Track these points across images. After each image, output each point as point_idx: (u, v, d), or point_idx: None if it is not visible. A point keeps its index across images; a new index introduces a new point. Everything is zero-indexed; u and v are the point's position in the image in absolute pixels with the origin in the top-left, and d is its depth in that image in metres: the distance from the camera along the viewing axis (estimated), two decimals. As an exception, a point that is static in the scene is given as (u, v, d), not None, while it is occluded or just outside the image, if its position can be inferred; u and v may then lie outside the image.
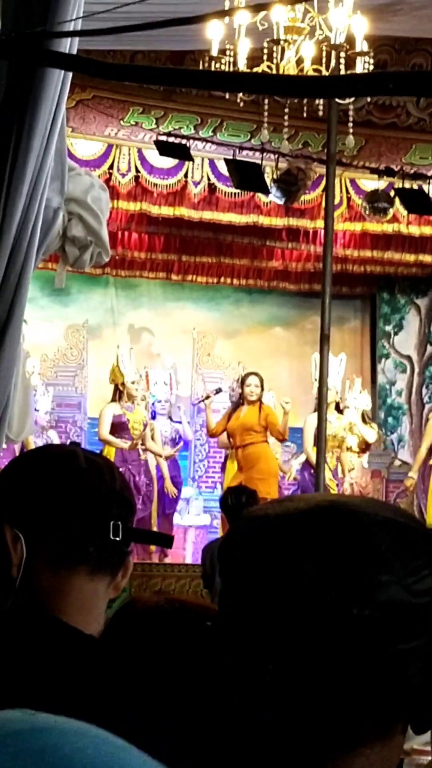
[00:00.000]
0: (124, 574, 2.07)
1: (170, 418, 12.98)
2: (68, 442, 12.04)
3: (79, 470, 2.04)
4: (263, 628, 1.10)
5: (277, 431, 12.00)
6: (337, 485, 12.25)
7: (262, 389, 12.12)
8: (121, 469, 2.26)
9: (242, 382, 12.19)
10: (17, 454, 9.76)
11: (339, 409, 12.55)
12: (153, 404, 12.91)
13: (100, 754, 0.87)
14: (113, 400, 12.09)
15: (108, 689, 1.84)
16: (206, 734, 1.09)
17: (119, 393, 12.05)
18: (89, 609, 2.01)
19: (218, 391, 12.69)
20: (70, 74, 4.59)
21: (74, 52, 4.64)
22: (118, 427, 11.92)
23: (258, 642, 1.10)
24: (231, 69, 7.93)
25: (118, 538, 2.01)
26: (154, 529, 11.95)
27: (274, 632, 1.10)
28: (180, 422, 13.02)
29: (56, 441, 12.45)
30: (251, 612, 1.11)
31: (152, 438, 12.16)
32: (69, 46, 4.54)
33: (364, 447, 13.14)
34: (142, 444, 11.93)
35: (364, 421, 13.11)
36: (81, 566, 2.00)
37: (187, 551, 12.90)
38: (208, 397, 12.53)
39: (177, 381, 13.53)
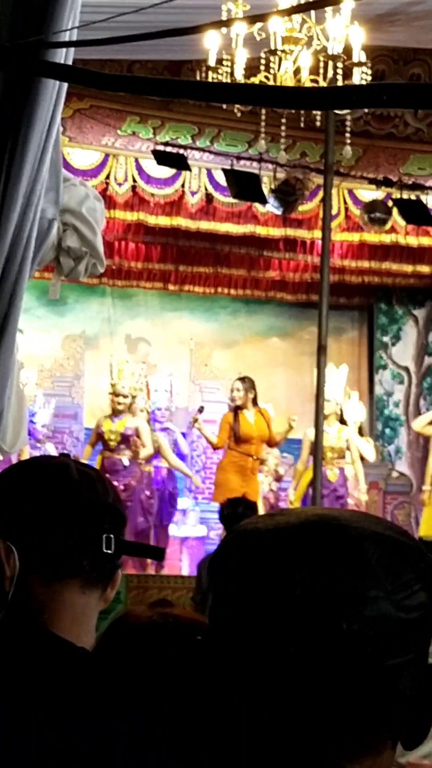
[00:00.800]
0: (113, 586, 2.07)
1: (167, 428, 13.01)
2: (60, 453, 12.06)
3: (72, 482, 2.03)
4: (257, 639, 1.10)
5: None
6: (339, 498, 12.18)
7: (250, 393, 12.04)
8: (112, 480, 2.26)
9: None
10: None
11: (342, 421, 12.50)
12: (153, 412, 12.94)
13: None
14: (110, 412, 12.25)
15: (104, 695, 1.84)
16: (206, 734, 1.08)
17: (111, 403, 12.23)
18: (81, 622, 2.00)
19: (201, 409, 12.72)
20: (66, 84, 4.57)
21: (70, 61, 4.62)
22: (101, 438, 12.04)
23: (253, 651, 1.10)
24: (228, 79, 7.92)
25: (110, 551, 2.01)
26: (151, 539, 11.96)
27: (266, 644, 1.09)
28: (173, 431, 13.05)
29: (53, 452, 12.45)
30: (245, 621, 1.11)
31: (142, 445, 12.15)
32: (65, 55, 4.52)
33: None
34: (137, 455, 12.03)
35: (360, 434, 13.09)
36: (74, 579, 2.00)
37: (184, 563, 12.87)
38: (196, 420, 12.55)
39: (175, 392, 13.52)
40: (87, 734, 1.76)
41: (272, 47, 7.88)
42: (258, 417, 11.97)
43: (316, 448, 9.16)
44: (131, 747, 1.77)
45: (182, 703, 1.75)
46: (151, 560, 11.30)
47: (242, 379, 12.11)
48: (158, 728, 1.77)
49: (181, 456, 13.24)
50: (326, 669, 1.08)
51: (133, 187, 11.88)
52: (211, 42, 7.99)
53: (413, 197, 11.50)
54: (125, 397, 12.15)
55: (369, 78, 8.19)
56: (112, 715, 1.79)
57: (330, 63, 7.98)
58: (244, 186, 10.76)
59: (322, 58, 8.05)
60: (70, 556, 1.99)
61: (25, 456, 11.20)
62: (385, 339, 15.07)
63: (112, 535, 2.01)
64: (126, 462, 11.94)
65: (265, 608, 1.09)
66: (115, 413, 12.11)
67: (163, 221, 12.29)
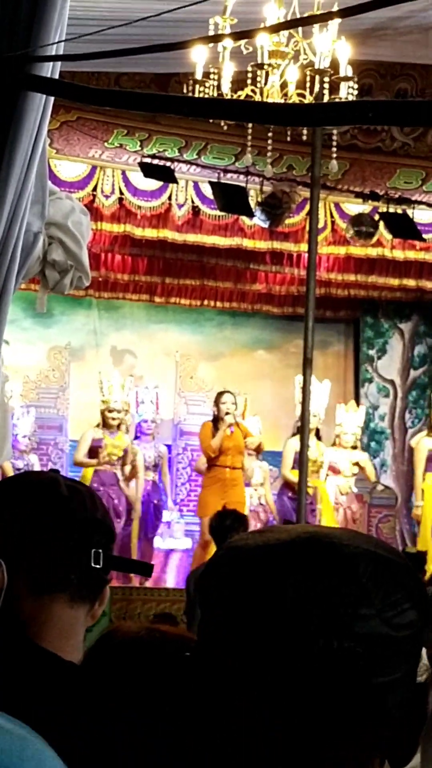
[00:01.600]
0: (101, 602, 2.07)
1: (153, 436, 13.05)
2: (48, 464, 12.03)
3: (61, 498, 2.04)
4: (250, 649, 1.10)
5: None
6: (314, 510, 12.23)
7: (237, 408, 12.18)
8: (99, 492, 2.27)
9: (216, 399, 12.22)
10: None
11: (318, 436, 12.56)
12: (139, 424, 12.94)
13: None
14: (99, 423, 12.23)
15: (102, 697, 1.84)
16: (206, 734, 1.08)
17: (103, 417, 12.24)
18: (69, 636, 2.00)
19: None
20: (52, 98, 4.56)
21: (57, 74, 4.61)
22: (96, 451, 12.01)
23: (248, 657, 1.10)
24: (215, 92, 7.93)
25: (98, 566, 2.02)
26: (135, 552, 11.97)
27: (259, 654, 1.09)
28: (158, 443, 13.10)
29: (37, 464, 12.45)
30: (238, 631, 1.11)
31: (134, 462, 12.23)
32: (51, 69, 4.52)
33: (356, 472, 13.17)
34: (129, 471, 12.09)
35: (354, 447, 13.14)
36: (62, 594, 2.00)
37: (168, 575, 12.84)
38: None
39: (160, 404, 13.51)
40: (87, 734, 1.77)
41: (259, 61, 7.89)
42: (237, 431, 12.03)
43: (301, 461, 9.14)
44: (131, 747, 1.78)
45: (176, 706, 1.75)
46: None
47: (231, 392, 12.18)
48: (158, 728, 1.77)
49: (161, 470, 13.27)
50: (316, 684, 1.07)
51: (120, 200, 11.88)
52: (198, 55, 8.00)
53: (399, 211, 11.53)
54: (119, 412, 12.20)
55: (356, 92, 8.21)
56: (112, 715, 1.81)
57: (317, 77, 7.99)
58: (230, 199, 10.77)
59: (308, 73, 8.07)
60: (59, 570, 2.00)
61: (9, 470, 11.20)
62: (371, 352, 15.10)
63: (100, 550, 2.02)
64: (120, 477, 12.06)
65: (257, 622, 1.09)
66: (109, 428, 12.14)
67: (150, 233, 12.30)
